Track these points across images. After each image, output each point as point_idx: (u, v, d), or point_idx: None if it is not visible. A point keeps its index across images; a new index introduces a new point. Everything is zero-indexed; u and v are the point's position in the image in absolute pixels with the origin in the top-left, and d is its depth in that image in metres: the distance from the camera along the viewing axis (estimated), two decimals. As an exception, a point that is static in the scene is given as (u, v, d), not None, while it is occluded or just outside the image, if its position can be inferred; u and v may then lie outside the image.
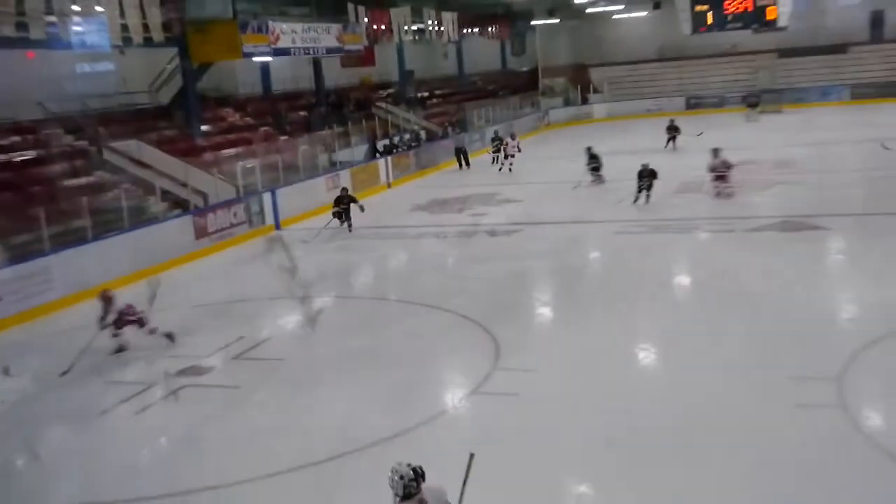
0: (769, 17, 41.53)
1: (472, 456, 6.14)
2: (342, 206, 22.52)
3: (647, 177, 22.48)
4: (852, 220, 19.48)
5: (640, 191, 22.63)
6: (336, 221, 22.68)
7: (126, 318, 13.51)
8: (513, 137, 33.04)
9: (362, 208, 22.61)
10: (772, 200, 22.40)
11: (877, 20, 48.19)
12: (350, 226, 22.66)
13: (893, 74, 44.97)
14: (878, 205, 20.72)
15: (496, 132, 35.82)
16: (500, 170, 31.79)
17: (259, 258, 19.83)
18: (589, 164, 27.38)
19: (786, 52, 48.14)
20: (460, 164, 34.52)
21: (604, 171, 27.12)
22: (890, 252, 16.45)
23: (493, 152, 34.11)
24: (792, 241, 17.98)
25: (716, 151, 23.55)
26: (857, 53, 47.57)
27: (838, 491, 7.99)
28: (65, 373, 12.77)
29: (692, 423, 9.66)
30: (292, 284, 15.83)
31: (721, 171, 23.11)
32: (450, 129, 37.89)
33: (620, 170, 26.92)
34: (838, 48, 47.55)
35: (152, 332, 13.71)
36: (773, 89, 45.87)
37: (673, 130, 33.73)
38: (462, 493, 5.93)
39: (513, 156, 31.82)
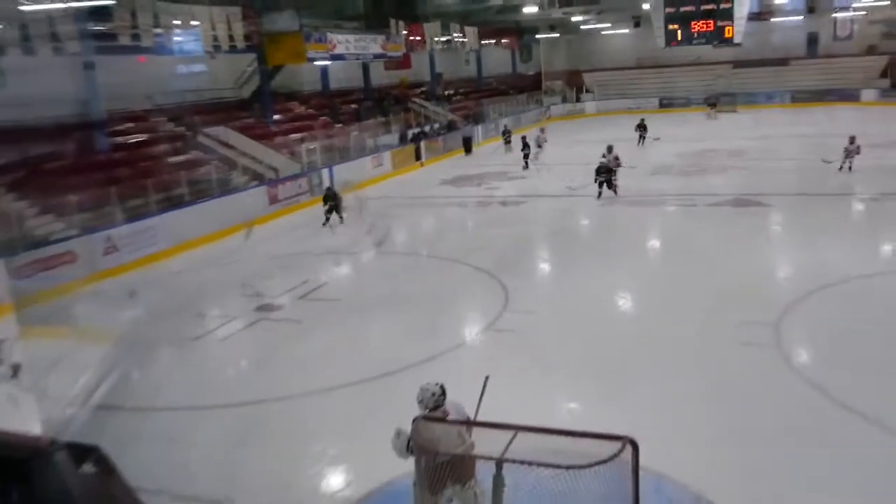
0: (727, 35, 40.79)
1: (486, 378, 6.12)
2: (330, 203, 18.75)
3: (604, 172, 19.72)
4: (790, 199, 19.25)
5: (599, 186, 19.73)
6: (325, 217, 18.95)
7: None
8: (542, 131, 30.46)
9: (340, 215, 18.80)
10: (726, 181, 22.11)
11: (812, 39, 47.52)
12: (342, 218, 18.82)
13: (824, 83, 44.27)
14: (811, 186, 20.46)
15: (505, 126, 34.67)
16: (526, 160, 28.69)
17: (318, 220, 19.88)
18: (523, 150, 27.40)
19: (739, 64, 47.39)
20: (467, 151, 33.32)
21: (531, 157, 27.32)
22: (819, 224, 16.28)
23: (505, 143, 32.49)
24: (741, 214, 17.80)
25: (610, 148, 21.61)
26: (796, 66, 46.84)
27: (769, 409, 8.00)
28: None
29: (656, 355, 9.67)
30: (364, 217, 17.62)
31: (612, 167, 20.91)
32: (459, 122, 36.56)
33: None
34: (781, 61, 46.88)
35: None
36: (729, 93, 45.20)
37: (641, 129, 31.35)
38: (478, 408, 5.92)
39: (540, 147, 28.65)
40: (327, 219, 18.72)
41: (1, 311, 12.67)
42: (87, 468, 1.70)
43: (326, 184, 23.69)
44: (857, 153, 21.37)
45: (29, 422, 6.83)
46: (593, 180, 19.81)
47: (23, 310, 11.20)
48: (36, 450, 1.59)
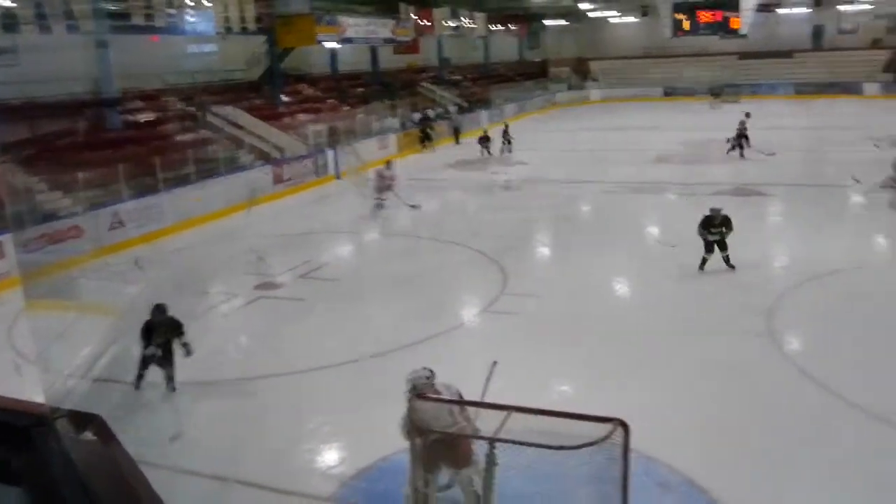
0: (733, 26, 40.77)
1: (494, 363, 6.13)
2: (158, 340, 8.88)
3: (718, 226, 12.08)
4: (789, 189, 19.19)
5: (709, 249, 12.19)
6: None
7: None
8: (747, 115, 24.55)
9: (187, 349, 8.91)
10: (727, 171, 22.00)
11: (817, 32, 47.23)
12: (171, 380, 8.88)
13: (828, 76, 44.13)
14: (810, 178, 20.42)
15: (485, 130, 28.80)
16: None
17: (322, 201, 19.91)
18: (504, 138, 27.08)
19: (745, 55, 47.10)
20: (456, 140, 31.26)
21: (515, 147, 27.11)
22: (816, 214, 16.23)
23: (505, 143, 27.39)
24: (741, 204, 17.64)
25: (389, 164, 19.32)
26: (801, 58, 46.58)
27: (760, 395, 8.07)
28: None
29: (650, 339, 9.71)
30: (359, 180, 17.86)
31: (388, 182, 18.40)
32: (451, 110, 34.96)
33: (609, 142, 26.68)
34: (786, 53, 46.60)
35: None
36: (733, 83, 44.94)
37: (741, 139, 23.86)
38: (484, 391, 5.96)
39: (746, 137, 23.75)
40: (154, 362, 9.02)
41: (9, 284, 12.78)
42: (88, 436, 1.73)
43: (332, 167, 23.62)
44: None
45: (31, 390, 6.90)
46: (700, 236, 12.30)
47: (29, 283, 11.29)
48: (38, 417, 1.63)
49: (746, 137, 23.34)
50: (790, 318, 10.36)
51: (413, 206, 17.56)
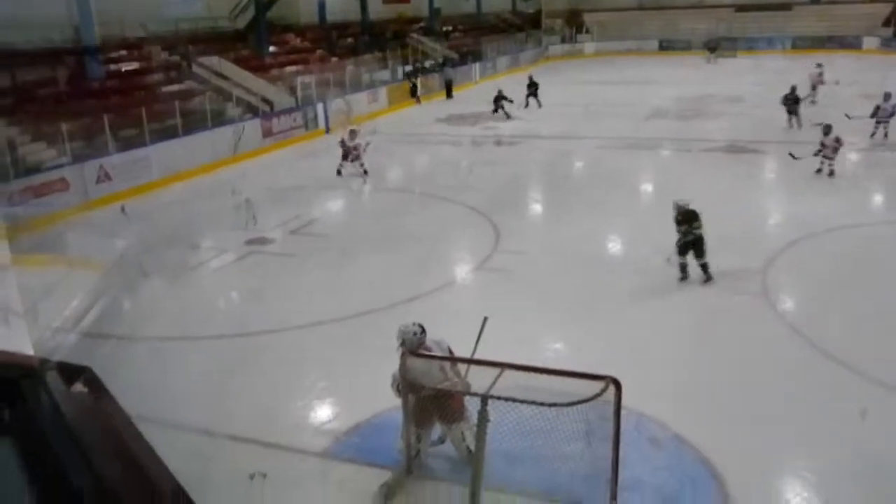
0: (731, -24, 40.38)
1: (485, 319, 6.13)
2: None
3: (681, 223, 10.01)
4: (784, 147, 19.10)
5: (680, 252, 10.12)
6: None
7: None
8: (819, 65, 24.21)
9: None
10: (722, 127, 21.94)
11: (817, -15, 46.89)
12: None
13: (826, 30, 43.83)
14: (806, 135, 20.31)
15: (530, 76, 27.58)
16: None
17: (312, 155, 19.75)
18: (529, 90, 26.50)
19: (742, 7, 46.76)
20: (448, 94, 31.17)
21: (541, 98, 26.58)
22: (809, 173, 16.18)
23: (531, 94, 26.69)
24: (735, 161, 17.73)
25: (353, 132, 17.78)
26: (799, 12, 46.23)
27: (752, 351, 8.15)
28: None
29: (643, 298, 9.76)
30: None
31: (353, 152, 17.22)
32: (442, 62, 34.59)
33: (604, 97, 26.45)
34: (784, 6, 46.24)
35: None
36: (729, 37, 44.59)
37: (791, 102, 21.02)
38: (475, 347, 5.98)
39: (815, 89, 23.58)
40: None
41: (-7, 237, 12.66)
42: (79, 388, 1.72)
43: (322, 120, 23.41)
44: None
45: (20, 343, 6.89)
46: (676, 248, 10.21)
47: (15, 237, 11.19)
48: (27, 369, 1.61)
49: (797, 100, 20.92)
50: (784, 276, 10.44)
51: (365, 172, 17.21)
